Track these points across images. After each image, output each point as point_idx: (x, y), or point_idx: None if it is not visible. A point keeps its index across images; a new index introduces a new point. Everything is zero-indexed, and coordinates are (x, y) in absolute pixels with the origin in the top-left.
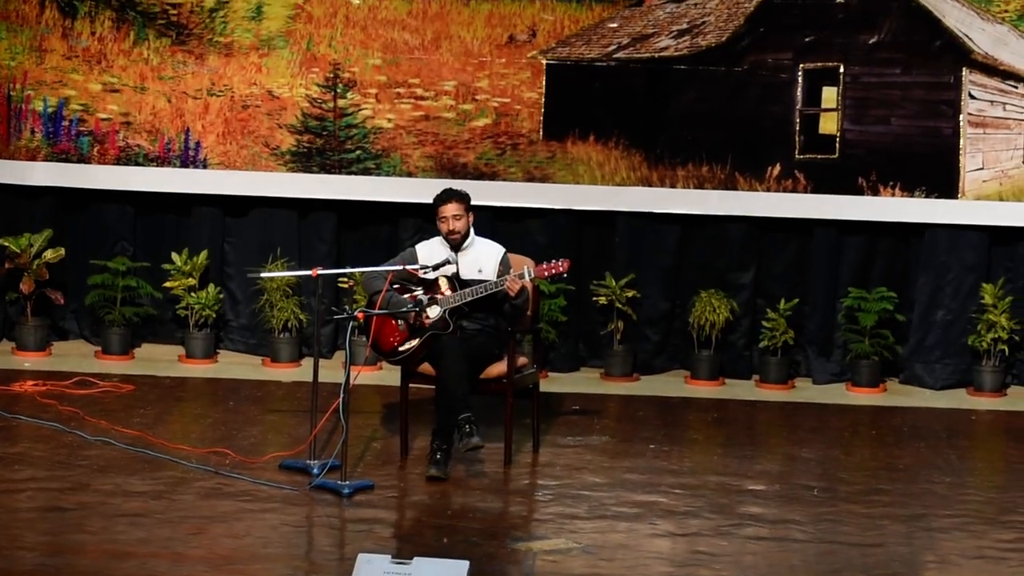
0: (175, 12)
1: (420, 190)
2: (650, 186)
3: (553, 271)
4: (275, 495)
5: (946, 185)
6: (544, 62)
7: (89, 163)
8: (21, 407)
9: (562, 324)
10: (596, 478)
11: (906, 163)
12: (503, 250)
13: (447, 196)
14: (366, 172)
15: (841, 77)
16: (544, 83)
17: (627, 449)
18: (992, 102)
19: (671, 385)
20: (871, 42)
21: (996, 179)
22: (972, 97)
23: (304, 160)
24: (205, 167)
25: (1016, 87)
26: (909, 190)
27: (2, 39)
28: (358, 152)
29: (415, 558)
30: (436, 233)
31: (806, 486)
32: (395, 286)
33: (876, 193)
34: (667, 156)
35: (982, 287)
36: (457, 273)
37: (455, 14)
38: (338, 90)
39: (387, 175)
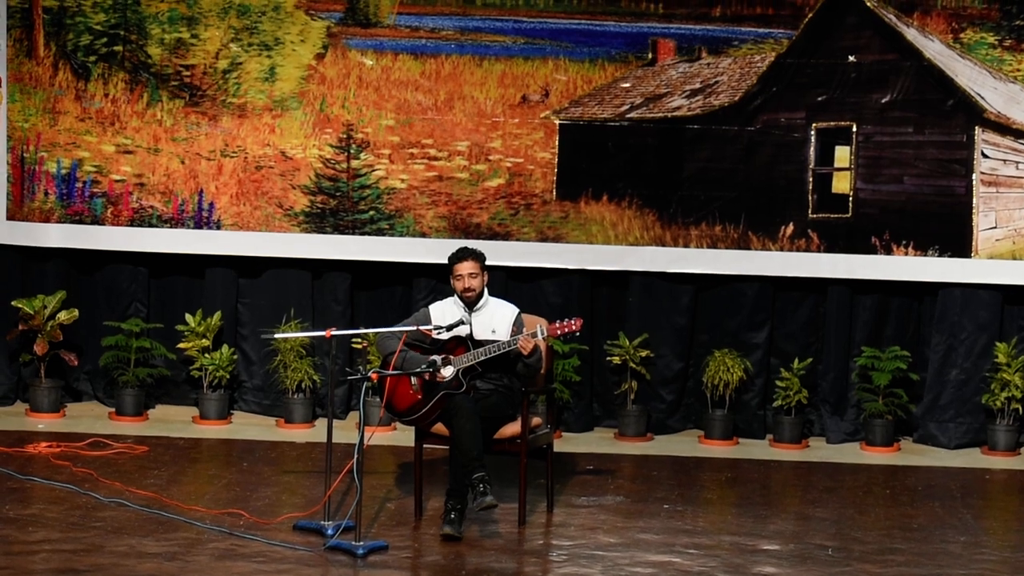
0: (188, 73)
1: (433, 250)
2: (663, 246)
3: (566, 330)
4: (289, 556)
5: (959, 244)
6: (557, 122)
7: (102, 224)
8: (35, 469)
9: (576, 384)
10: (610, 538)
11: (919, 222)
12: (517, 310)
13: (463, 254)
14: (379, 232)
15: (854, 136)
16: (557, 143)
17: (641, 509)
18: (1005, 161)
19: (685, 445)
20: (884, 101)
21: (1009, 238)
22: (985, 156)
23: (317, 221)
24: (219, 228)
25: None
26: (922, 249)
27: (16, 101)
28: (371, 212)
29: None
30: (450, 293)
31: (820, 546)
32: (409, 346)
33: (889, 252)
34: (680, 216)
35: (995, 346)
36: (471, 333)
37: (468, 74)
38: (351, 151)
39: (400, 235)
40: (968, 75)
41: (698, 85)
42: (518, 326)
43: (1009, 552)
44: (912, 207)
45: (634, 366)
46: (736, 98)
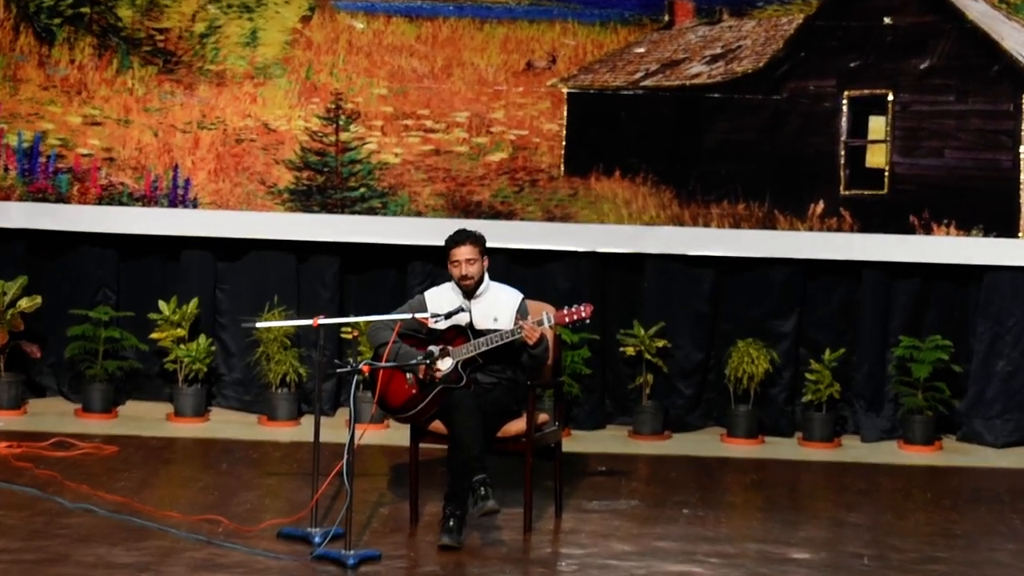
0: (162, 38)
1: (430, 231)
2: (681, 225)
3: (575, 317)
4: (273, 567)
5: (1006, 223)
6: (565, 91)
7: (68, 203)
8: None
9: (586, 377)
10: (625, 546)
11: (962, 199)
12: (521, 296)
13: (460, 238)
14: (371, 212)
15: (890, 105)
16: (565, 114)
17: (658, 514)
18: None
19: (706, 444)
20: (922, 67)
21: None
22: None
23: (303, 199)
24: (195, 207)
25: None
26: (965, 228)
27: None
28: (362, 190)
29: None
30: (447, 278)
31: (855, 554)
32: (403, 337)
33: (929, 232)
34: (700, 193)
35: None
36: (471, 322)
37: (467, 39)
38: (340, 122)
39: (394, 215)
40: (1015, 38)
41: (719, 50)
42: (522, 314)
43: None
44: (954, 183)
45: (650, 357)
46: (761, 64)
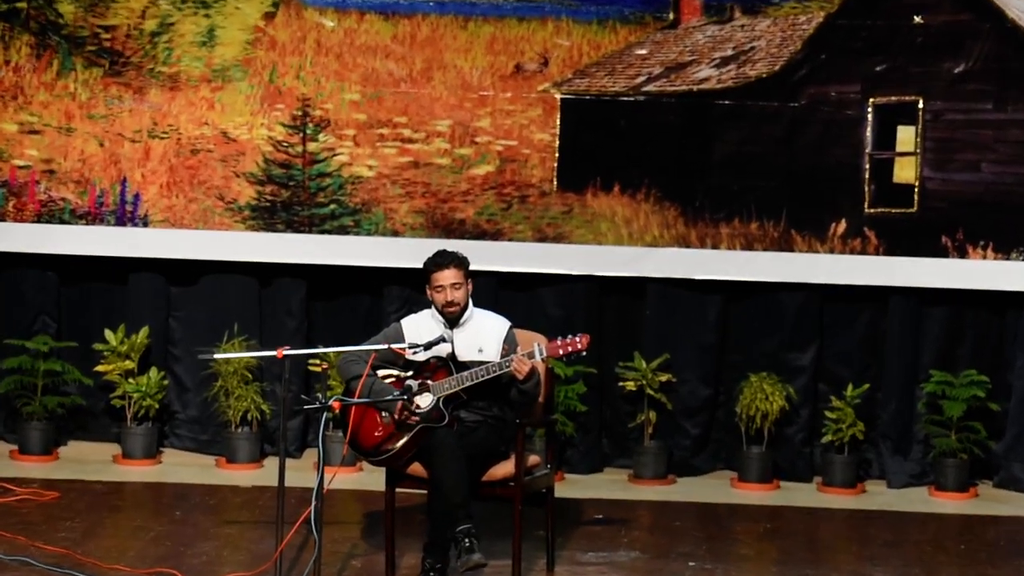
0: (108, 36)
1: (408, 253)
2: (687, 247)
3: (570, 349)
4: None
5: None
6: (558, 96)
7: (3, 220)
8: None
9: (581, 415)
10: None
11: (1000, 218)
12: (508, 325)
13: (443, 261)
14: (342, 231)
15: (920, 114)
16: (558, 122)
17: (662, 567)
18: None
19: (714, 489)
20: (957, 71)
21: None
22: None
23: (267, 216)
24: (145, 225)
25: None
26: (1004, 251)
27: None
28: (332, 206)
29: None
30: (427, 304)
31: None
32: (377, 369)
33: (963, 255)
34: (708, 210)
35: None
36: (453, 353)
37: (450, 39)
38: (308, 131)
39: (368, 234)
40: None
41: (730, 52)
42: (510, 344)
43: None
44: (991, 199)
45: (652, 393)
46: (776, 67)
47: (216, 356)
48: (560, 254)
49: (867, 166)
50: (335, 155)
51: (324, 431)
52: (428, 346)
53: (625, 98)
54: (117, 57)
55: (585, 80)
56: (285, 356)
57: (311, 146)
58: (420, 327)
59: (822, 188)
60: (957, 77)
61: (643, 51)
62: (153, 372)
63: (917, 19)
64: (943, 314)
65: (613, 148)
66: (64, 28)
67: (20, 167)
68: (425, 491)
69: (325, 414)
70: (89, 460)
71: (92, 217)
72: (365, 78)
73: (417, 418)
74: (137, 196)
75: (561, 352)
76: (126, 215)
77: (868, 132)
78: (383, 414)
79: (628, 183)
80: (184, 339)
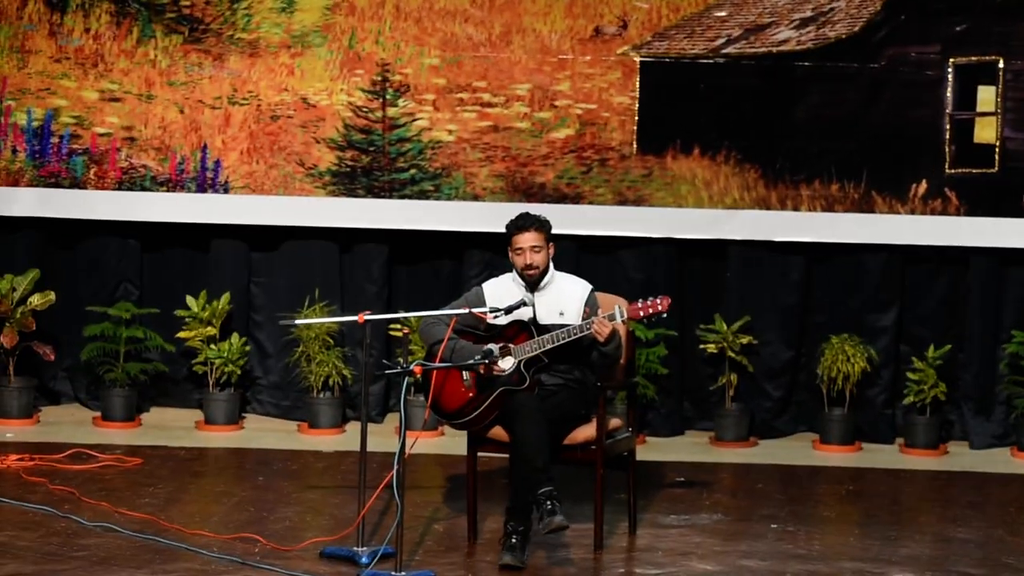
0: (187, 3)
1: (488, 217)
2: (768, 209)
3: (650, 311)
4: None
5: None
6: (638, 60)
7: (84, 188)
8: (3, 487)
9: (662, 378)
10: (706, 565)
11: None
12: (589, 288)
13: (524, 223)
14: (422, 195)
15: (1001, 74)
16: (638, 85)
17: (743, 530)
18: None
19: (796, 451)
20: None
21: None
22: None
23: (347, 182)
24: (226, 191)
25: None
26: None
27: None
28: (412, 171)
29: None
30: (507, 268)
31: (963, 574)
32: (459, 333)
33: None
34: (788, 172)
35: None
36: (534, 317)
37: (528, 3)
38: (387, 96)
39: (448, 199)
40: None
41: (809, 13)
42: (591, 307)
43: None
44: None
45: (733, 355)
46: (856, 28)
47: (297, 322)
48: (640, 217)
49: (947, 126)
50: (415, 120)
51: (406, 396)
52: (509, 310)
53: (704, 60)
54: (197, 24)
55: (664, 43)
56: (366, 321)
57: (391, 111)
58: (501, 291)
59: (902, 149)
60: None
61: (722, 13)
62: (235, 338)
63: None
64: None
65: (693, 111)
66: None
67: (101, 135)
68: (507, 455)
69: (407, 378)
70: (171, 426)
71: (173, 184)
72: (444, 42)
73: (499, 381)
74: (218, 163)
75: (642, 314)
76: (207, 182)
77: (948, 92)
78: (465, 378)
79: (708, 146)
80: (265, 305)
